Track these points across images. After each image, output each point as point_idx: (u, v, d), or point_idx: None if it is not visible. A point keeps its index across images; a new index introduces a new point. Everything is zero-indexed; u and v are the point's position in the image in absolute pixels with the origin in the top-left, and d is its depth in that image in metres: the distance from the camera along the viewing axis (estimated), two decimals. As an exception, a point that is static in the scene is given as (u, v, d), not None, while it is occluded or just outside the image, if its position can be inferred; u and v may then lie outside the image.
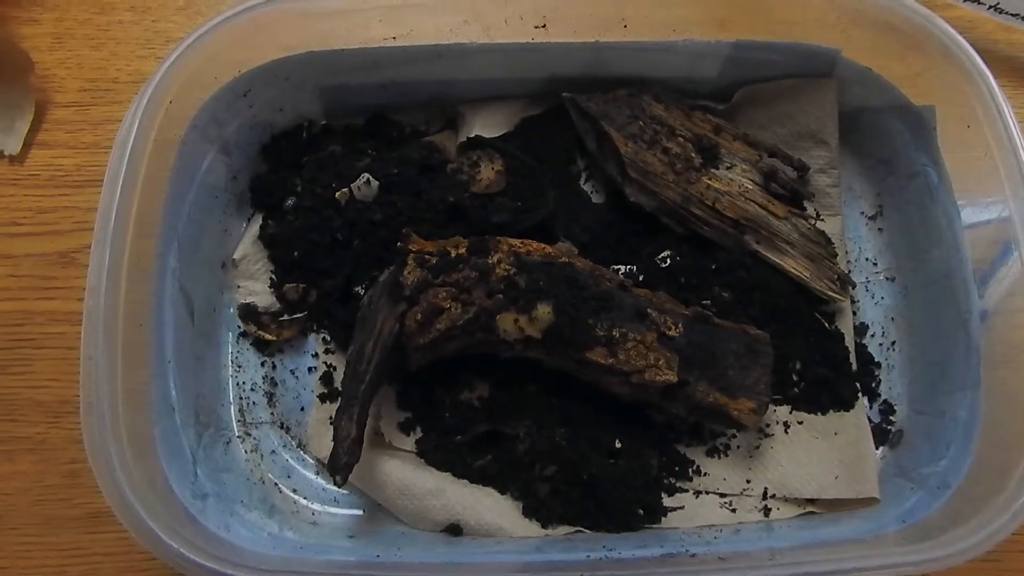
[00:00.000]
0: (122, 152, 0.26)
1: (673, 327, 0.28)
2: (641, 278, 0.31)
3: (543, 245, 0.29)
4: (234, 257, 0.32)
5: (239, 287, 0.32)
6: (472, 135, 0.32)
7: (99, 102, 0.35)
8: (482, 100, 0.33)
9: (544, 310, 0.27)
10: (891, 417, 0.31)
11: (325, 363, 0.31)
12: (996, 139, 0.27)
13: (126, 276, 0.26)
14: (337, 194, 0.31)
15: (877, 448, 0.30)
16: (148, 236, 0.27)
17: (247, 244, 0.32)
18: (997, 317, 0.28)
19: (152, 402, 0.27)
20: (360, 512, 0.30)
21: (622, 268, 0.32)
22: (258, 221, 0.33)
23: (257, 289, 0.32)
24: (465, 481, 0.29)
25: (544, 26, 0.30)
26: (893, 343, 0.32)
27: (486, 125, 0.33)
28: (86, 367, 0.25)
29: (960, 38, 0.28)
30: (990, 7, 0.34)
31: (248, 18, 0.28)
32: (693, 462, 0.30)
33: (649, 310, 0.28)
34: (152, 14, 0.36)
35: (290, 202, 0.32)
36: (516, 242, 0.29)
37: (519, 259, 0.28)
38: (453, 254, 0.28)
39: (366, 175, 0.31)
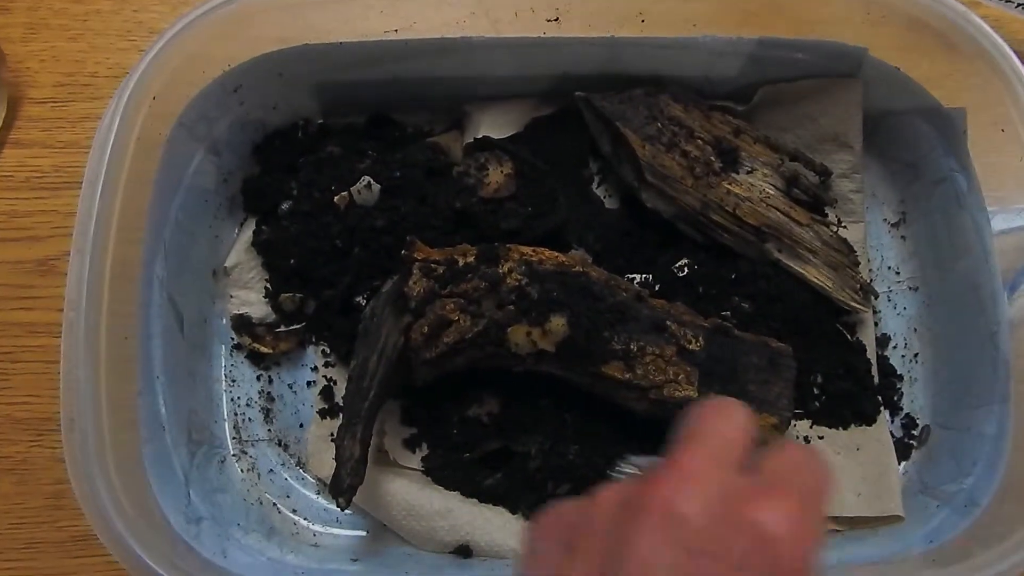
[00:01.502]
0: (102, 152, 0.24)
1: (693, 340, 0.27)
2: (657, 288, 0.30)
3: (556, 253, 0.27)
4: (226, 265, 0.30)
5: (232, 297, 0.30)
6: (479, 136, 0.31)
7: (77, 97, 0.32)
8: (490, 99, 0.32)
9: (558, 322, 0.26)
10: (913, 431, 0.30)
11: (325, 377, 0.30)
12: (1033, 145, 0.26)
13: (108, 286, 0.24)
14: (336, 198, 0.29)
15: (900, 463, 0.29)
16: (132, 242, 0.25)
17: (240, 251, 0.31)
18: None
19: (140, 420, 0.25)
20: (364, 533, 0.28)
21: (637, 277, 0.30)
22: (251, 226, 0.31)
23: (251, 299, 0.30)
24: (474, 500, 0.28)
25: (557, 20, 0.28)
26: (916, 355, 0.31)
27: (494, 125, 0.31)
28: (67, 383, 0.23)
29: (997, 37, 0.26)
30: (1017, 5, 0.33)
31: (237, 7, 0.26)
32: (710, 479, 0.29)
33: (668, 322, 0.27)
34: (133, 3, 0.34)
35: (285, 206, 0.30)
36: (527, 250, 0.27)
37: (531, 268, 0.26)
38: (461, 263, 0.26)
39: (367, 178, 0.29)
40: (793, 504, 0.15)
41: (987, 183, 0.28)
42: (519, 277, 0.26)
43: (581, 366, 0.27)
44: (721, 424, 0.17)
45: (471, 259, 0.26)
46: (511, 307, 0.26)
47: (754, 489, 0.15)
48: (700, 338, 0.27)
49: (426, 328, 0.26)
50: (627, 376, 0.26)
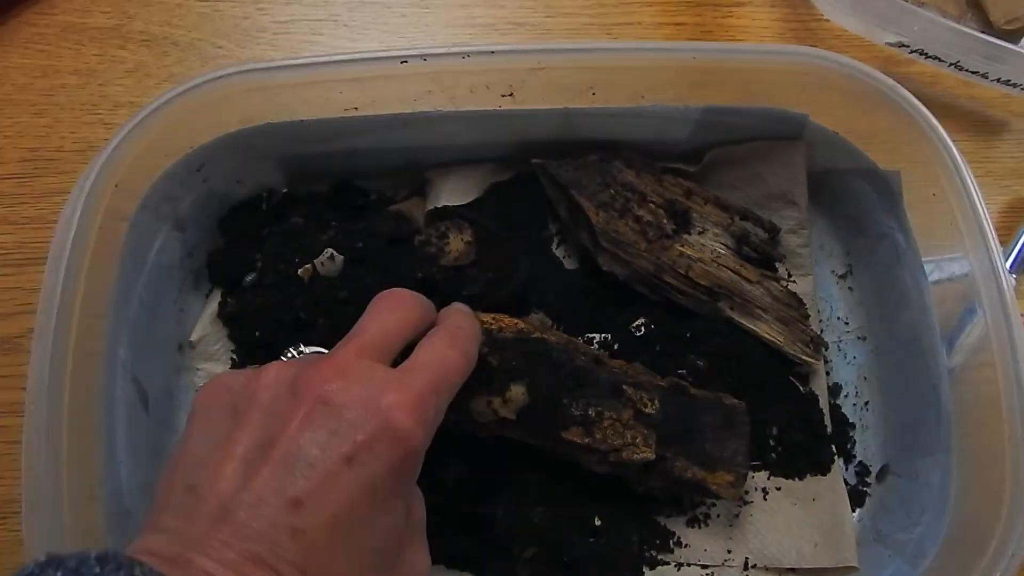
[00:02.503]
0: (60, 251, 0.24)
1: (649, 404, 0.28)
2: (616, 347, 0.31)
3: (515, 320, 0.28)
4: (191, 339, 0.31)
5: (198, 370, 0.31)
6: (440, 204, 0.31)
7: (42, 173, 0.33)
8: (450, 164, 0.33)
9: (518, 391, 0.27)
10: (867, 479, 0.31)
11: (292, 445, 0.30)
12: (961, 212, 0.27)
13: (71, 378, 0.24)
14: (300, 271, 0.29)
15: (855, 510, 0.30)
16: (95, 330, 0.26)
17: (206, 323, 0.31)
18: (966, 372, 0.28)
19: (103, 504, 0.25)
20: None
21: (597, 336, 0.31)
22: (216, 298, 0.31)
23: (217, 371, 0.31)
24: (442, 566, 0.28)
25: (511, 95, 0.29)
26: (866, 403, 0.32)
27: (455, 191, 0.32)
28: (28, 477, 0.23)
29: (924, 109, 0.28)
30: (950, 64, 0.35)
31: (199, 93, 0.27)
32: (674, 533, 0.30)
33: (625, 386, 0.28)
34: (98, 77, 0.34)
35: (250, 278, 0.30)
36: (488, 318, 0.28)
37: (491, 337, 0.27)
38: (423, 335, 0.27)
39: (330, 250, 0.30)
40: (413, 397, 0.19)
41: (924, 243, 0.30)
42: (479, 347, 0.27)
43: (542, 432, 0.27)
44: (384, 317, 0.21)
45: (432, 330, 0.27)
46: (472, 377, 0.26)
47: (389, 380, 0.19)
48: (656, 400, 0.28)
49: (388, 403, 0.26)
50: (586, 441, 0.27)
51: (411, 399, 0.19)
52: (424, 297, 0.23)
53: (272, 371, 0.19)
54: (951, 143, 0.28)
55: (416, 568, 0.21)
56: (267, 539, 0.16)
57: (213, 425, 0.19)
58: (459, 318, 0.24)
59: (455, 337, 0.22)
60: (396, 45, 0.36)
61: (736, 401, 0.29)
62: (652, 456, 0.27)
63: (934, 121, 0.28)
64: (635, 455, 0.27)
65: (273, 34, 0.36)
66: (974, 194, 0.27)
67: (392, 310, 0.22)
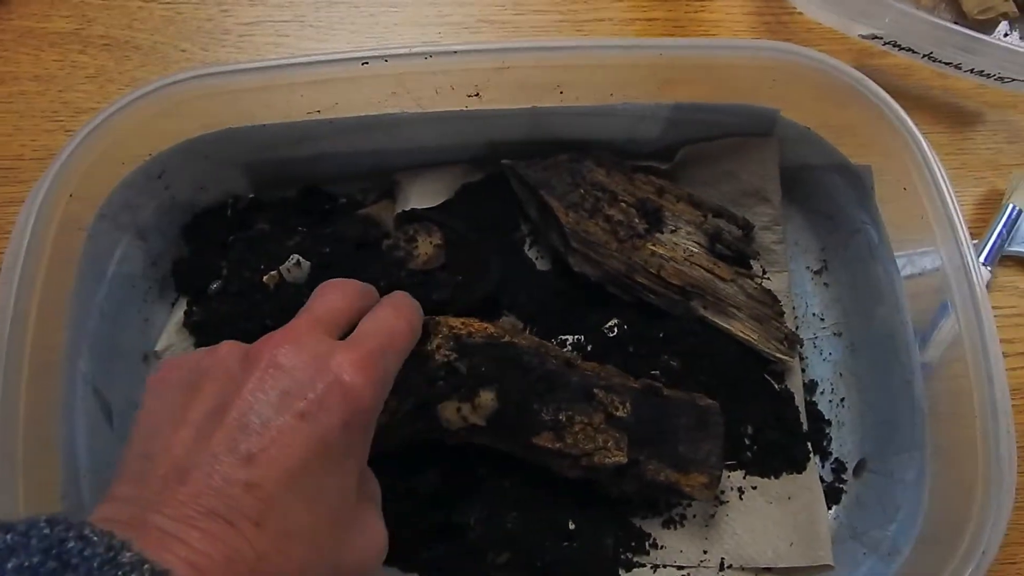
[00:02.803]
0: (14, 262, 0.24)
1: (621, 407, 0.27)
2: (590, 348, 0.31)
3: (485, 325, 0.28)
4: (156, 349, 0.30)
5: (164, 380, 0.30)
6: (409, 207, 0.31)
7: (2, 182, 0.32)
8: (420, 167, 0.32)
9: (487, 397, 0.26)
10: (843, 475, 0.31)
11: (263, 455, 0.30)
12: (932, 205, 0.27)
13: (25, 392, 0.24)
14: (265, 278, 0.29)
15: (831, 507, 0.30)
16: (52, 343, 0.25)
17: (171, 333, 0.30)
18: (939, 368, 0.28)
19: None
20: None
21: (570, 338, 0.31)
22: (182, 307, 0.31)
23: (184, 381, 0.30)
24: (415, 575, 0.28)
25: (477, 95, 0.29)
26: (842, 399, 0.32)
27: (425, 193, 0.32)
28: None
29: (893, 102, 0.27)
30: (924, 56, 0.35)
31: (157, 98, 0.26)
32: (649, 535, 0.29)
33: (596, 390, 0.27)
34: (58, 83, 0.34)
35: (215, 286, 0.30)
36: (457, 323, 0.28)
37: (459, 342, 0.27)
38: (390, 341, 0.27)
39: (296, 256, 0.29)
40: (362, 356, 0.20)
41: (896, 237, 0.30)
42: (448, 353, 0.26)
43: (512, 438, 0.27)
44: (330, 300, 0.22)
45: (400, 336, 0.27)
46: (441, 383, 0.26)
47: (337, 345, 0.20)
48: (628, 403, 0.27)
49: (354, 411, 0.26)
50: (557, 446, 0.27)
51: (359, 359, 0.19)
52: (368, 284, 0.24)
53: (225, 347, 0.20)
54: (920, 136, 0.27)
55: (373, 536, 0.21)
56: (222, 494, 0.17)
57: (166, 401, 0.19)
58: (401, 296, 0.24)
59: (399, 308, 0.23)
60: (364, 46, 0.36)
61: (710, 402, 0.29)
62: (624, 460, 0.27)
63: (903, 114, 0.28)
64: (607, 459, 0.27)
65: (238, 36, 0.35)
66: (944, 187, 0.26)
67: (335, 295, 0.22)
